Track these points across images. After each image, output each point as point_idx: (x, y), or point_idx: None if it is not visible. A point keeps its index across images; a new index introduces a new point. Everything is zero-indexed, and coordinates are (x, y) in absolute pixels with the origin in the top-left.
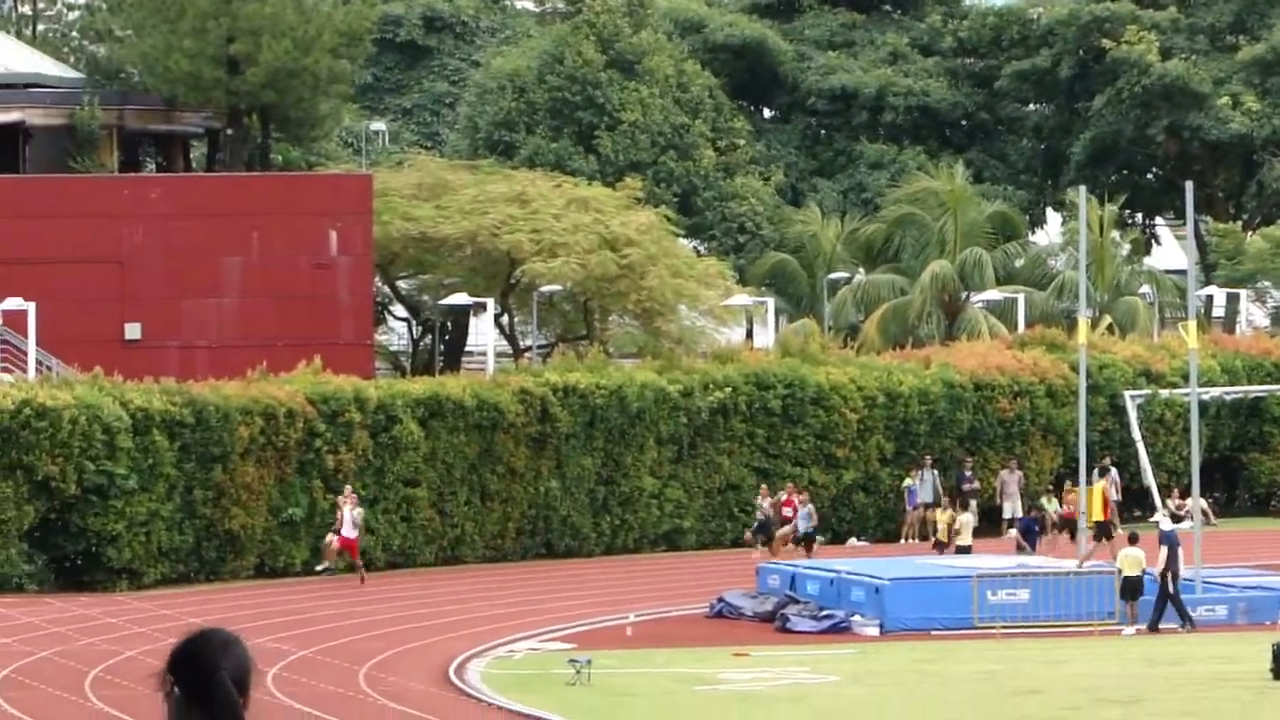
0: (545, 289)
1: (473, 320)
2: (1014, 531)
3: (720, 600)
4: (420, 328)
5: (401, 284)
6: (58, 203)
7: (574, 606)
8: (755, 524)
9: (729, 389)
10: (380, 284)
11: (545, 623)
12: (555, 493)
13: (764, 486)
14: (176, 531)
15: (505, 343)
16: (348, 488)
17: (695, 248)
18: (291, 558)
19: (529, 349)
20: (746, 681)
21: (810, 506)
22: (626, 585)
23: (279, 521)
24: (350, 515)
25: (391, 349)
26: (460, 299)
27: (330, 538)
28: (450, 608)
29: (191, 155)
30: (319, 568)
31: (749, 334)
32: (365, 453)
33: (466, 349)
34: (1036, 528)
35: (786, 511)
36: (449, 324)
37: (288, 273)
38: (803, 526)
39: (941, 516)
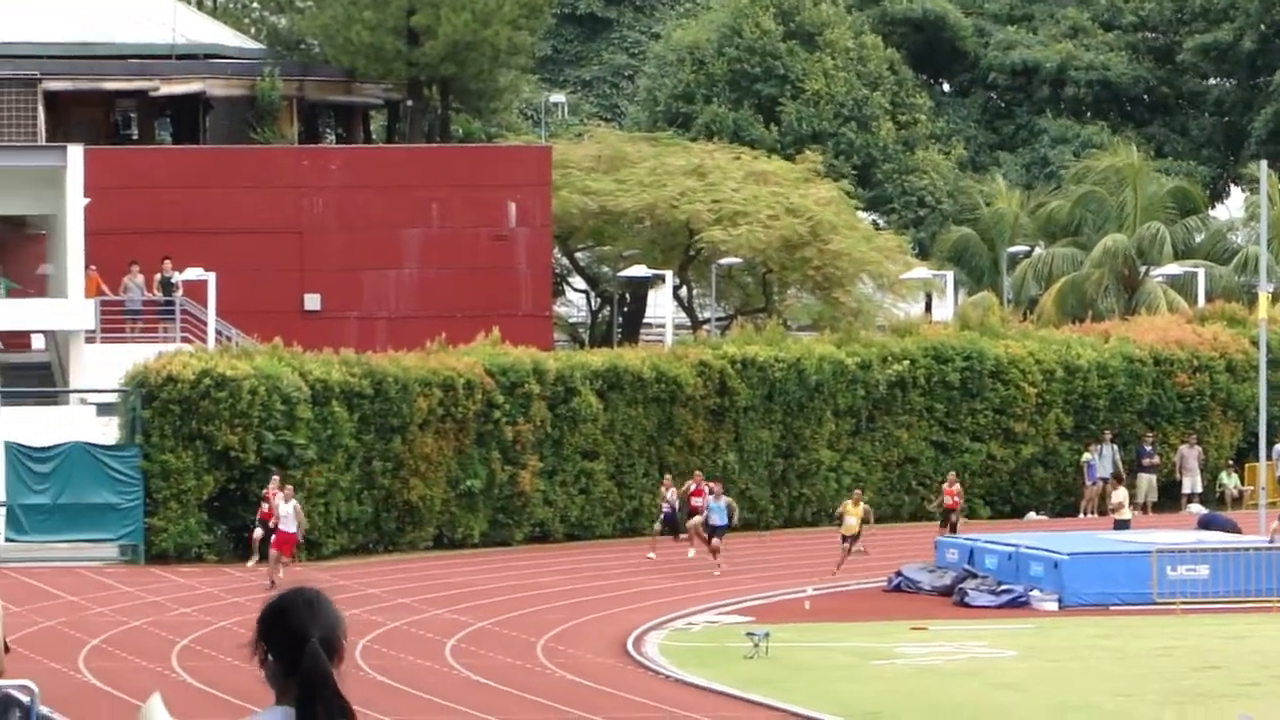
0: (724, 261)
1: (651, 292)
2: (1195, 507)
3: (898, 574)
4: (599, 299)
5: (580, 256)
6: (238, 174)
7: (753, 579)
8: (660, 516)
9: (907, 362)
10: (559, 256)
11: (723, 596)
12: (733, 465)
13: (667, 477)
14: (355, 502)
15: (684, 315)
16: (275, 477)
17: (874, 221)
18: (470, 529)
19: (707, 321)
20: (924, 656)
21: (728, 499)
22: (804, 558)
23: (457, 493)
24: (285, 508)
25: (570, 321)
26: (639, 271)
27: (258, 533)
28: (628, 580)
29: (371, 127)
30: (253, 562)
31: (928, 307)
32: (543, 424)
33: (645, 321)
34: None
35: (695, 502)
36: (627, 296)
37: (467, 244)
38: (718, 520)
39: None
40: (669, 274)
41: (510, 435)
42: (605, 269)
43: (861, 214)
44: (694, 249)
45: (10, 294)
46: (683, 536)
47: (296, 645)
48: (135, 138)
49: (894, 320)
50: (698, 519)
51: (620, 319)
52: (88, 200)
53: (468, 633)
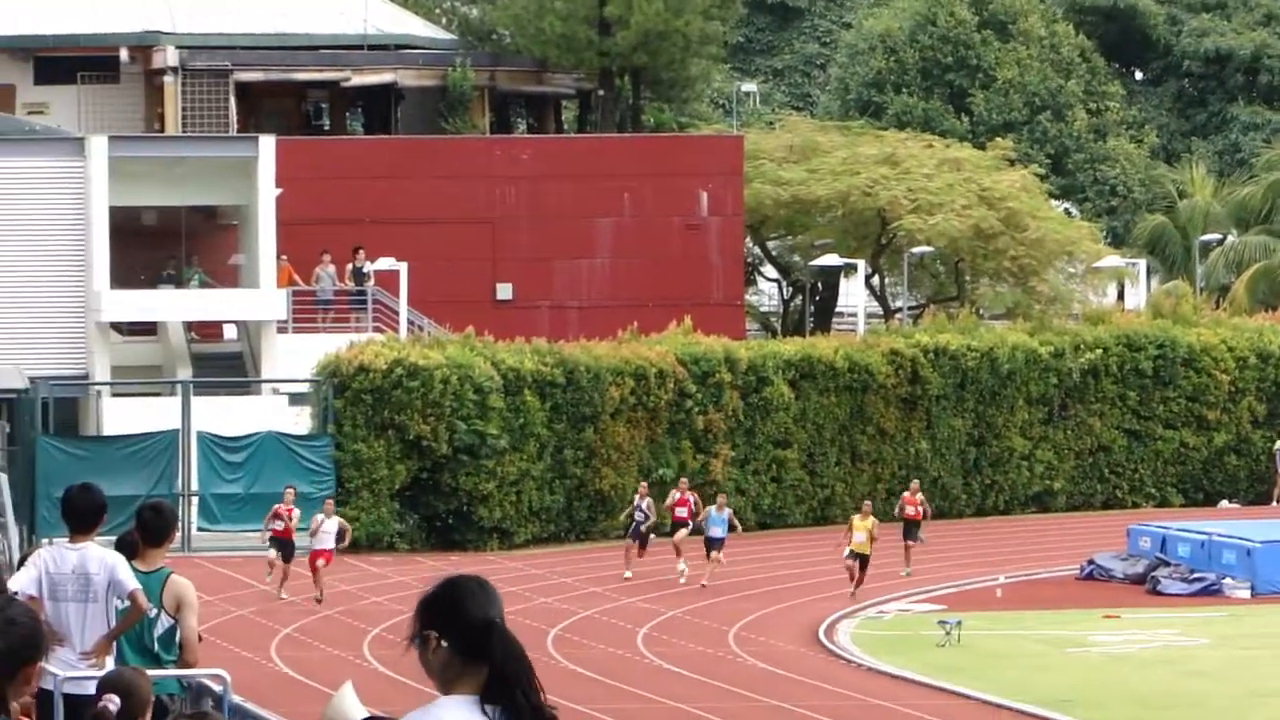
0: (917, 250)
1: (843, 281)
2: None
3: (1091, 562)
4: (791, 289)
5: (772, 245)
6: (429, 163)
7: (944, 568)
8: (631, 526)
9: (1100, 350)
10: (751, 245)
11: (915, 584)
12: (925, 454)
13: (643, 485)
14: (547, 491)
15: (876, 304)
16: (329, 502)
17: (1066, 209)
18: (663, 518)
19: (899, 310)
20: (1117, 644)
21: (729, 511)
22: (996, 547)
23: (650, 482)
24: (330, 524)
25: (762, 310)
26: (831, 260)
27: (273, 554)
28: (820, 568)
29: (563, 116)
30: (281, 594)
31: (1120, 295)
32: (735, 413)
33: (837, 310)
34: None
35: (680, 512)
36: (819, 285)
37: (659, 233)
38: (719, 532)
39: None
40: (861, 263)
41: (702, 424)
42: (797, 258)
43: (1053, 202)
44: (887, 237)
45: (203, 285)
46: (667, 541)
47: (479, 629)
48: (327, 128)
49: (1087, 308)
50: (683, 532)
51: (812, 308)
52: (279, 190)
53: (659, 621)
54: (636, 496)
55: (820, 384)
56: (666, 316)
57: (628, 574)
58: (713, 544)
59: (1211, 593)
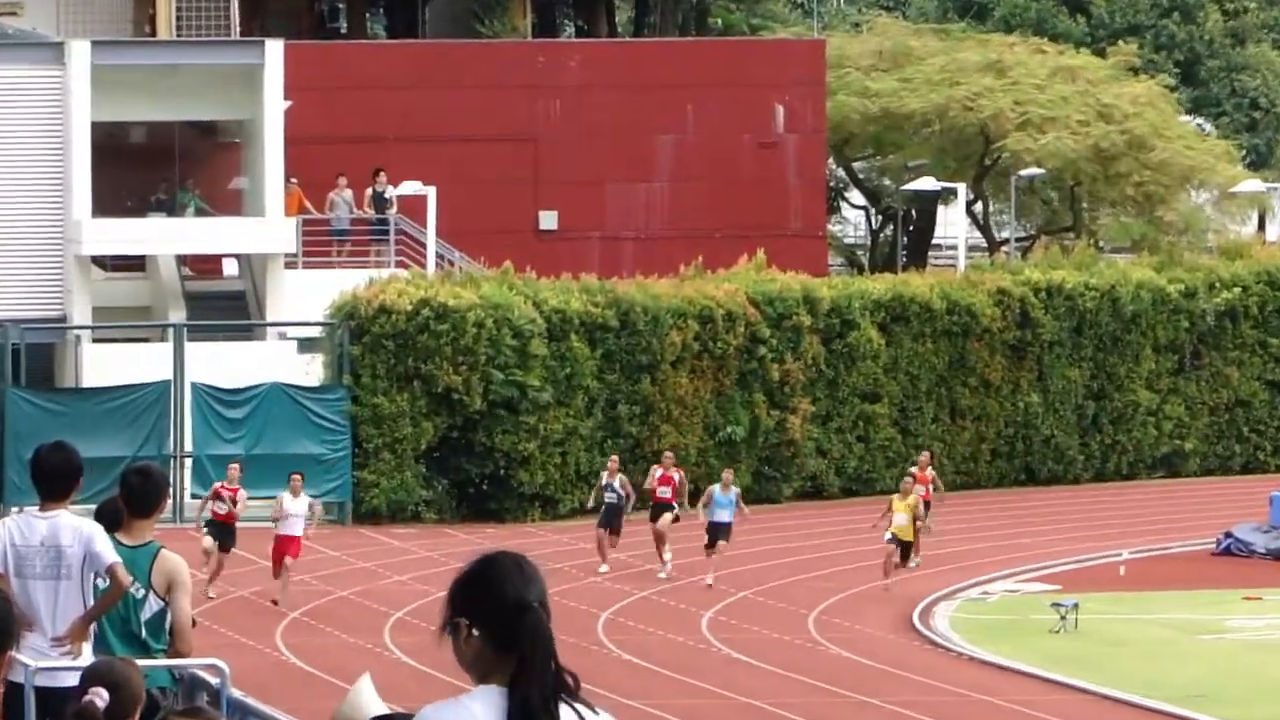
0: (1026, 173)
1: (941, 209)
2: None
3: (1228, 535)
4: (880, 217)
5: (858, 166)
6: (462, 72)
7: (1058, 541)
8: (602, 510)
9: (1238, 289)
10: (834, 166)
11: (1024, 560)
12: (1036, 409)
13: (613, 460)
14: (597, 452)
15: (979, 235)
16: (296, 477)
17: (1199, 125)
18: (643, 500)
19: (1006, 242)
20: (1259, 629)
21: (736, 491)
22: (1119, 517)
23: (716, 441)
24: (296, 505)
25: (847, 241)
26: (927, 184)
27: (208, 541)
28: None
29: (616, 18)
30: (209, 593)
31: (1261, 225)
32: (816, 362)
33: (933, 242)
34: None
35: (663, 492)
36: (913, 213)
37: (727, 153)
38: (725, 516)
39: None
40: (962, 187)
41: (777, 375)
42: (888, 181)
43: (1184, 118)
44: (991, 158)
45: (199, 212)
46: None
47: (513, 613)
48: (343, 31)
49: (1223, 240)
50: (667, 517)
51: (905, 239)
52: (288, 104)
53: (728, 603)
54: (605, 474)
55: (914, 328)
56: (736, 249)
57: (603, 568)
58: (719, 531)
59: None
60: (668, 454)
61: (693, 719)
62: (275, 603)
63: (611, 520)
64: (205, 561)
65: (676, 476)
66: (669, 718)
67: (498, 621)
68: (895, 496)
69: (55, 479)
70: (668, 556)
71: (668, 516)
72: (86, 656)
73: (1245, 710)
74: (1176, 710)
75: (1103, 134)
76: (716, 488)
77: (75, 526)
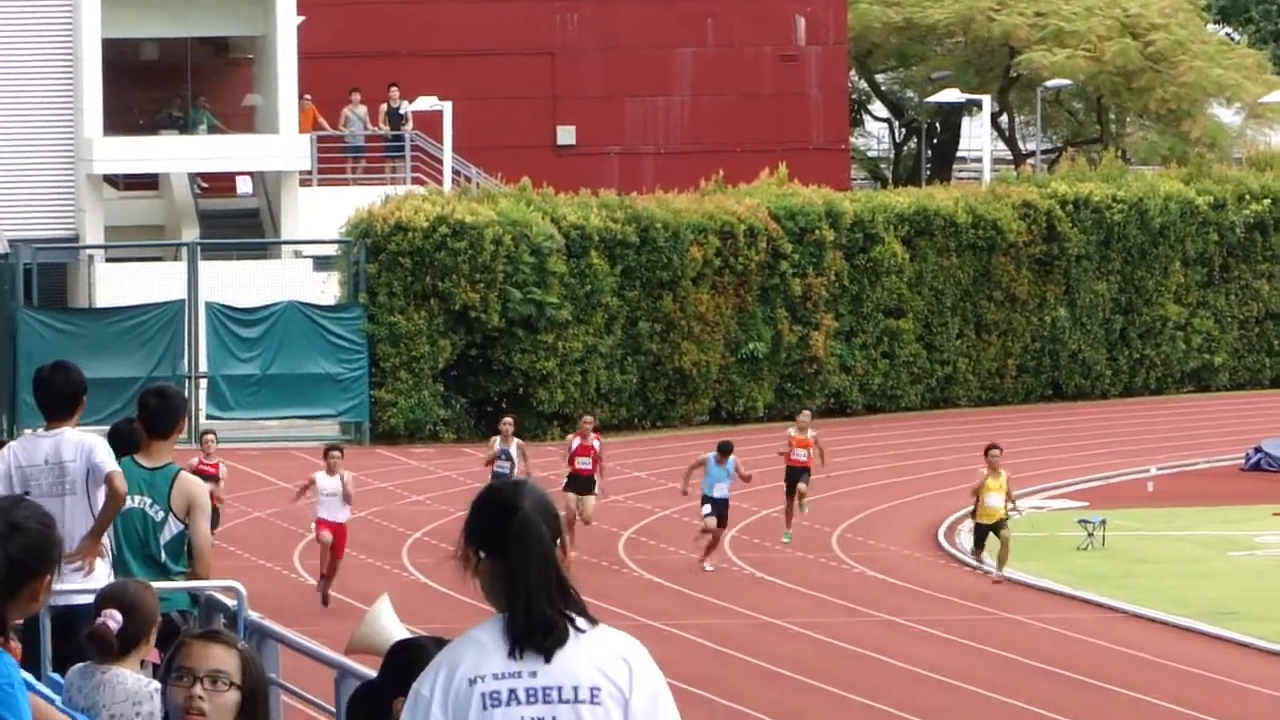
0: (1051, 84)
1: (965, 121)
2: None
3: (1258, 450)
4: (904, 130)
5: (881, 78)
6: None
7: (1085, 458)
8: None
9: (1268, 201)
10: (857, 78)
11: (1051, 477)
12: (1063, 324)
13: (506, 422)
14: (618, 370)
15: (1004, 147)
16: (334, 453)
17: (1228, 34)
18: (753, 400)
19: (1032, 155)
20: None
21: (735, 460)
22: (1147, 432)
23: (738, 358)
24: (331, 484)
25: (870, 155)
26: (951, 96)
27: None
28: (939, 459)
29: None
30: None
31: None
32: (839, 278)
33: (958, 155)
34: None
35: (582, 463)
36: (937, 125)
37: (748, 66)
38: (722, 492)
39: None
40: (986, 99)
41: (800, 290)
42: (911, 94)
43: (1212, 27)
44: (1017, 70)
45: (212, 130)
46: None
47: (505, 518)
48: None
49: (1254, 151)
50: (591, 502)
51: (929, 152)
52: (301, 19)
53: (750, 522)
54: (498, 439)
55: (939, 242)
56: (757, 163)
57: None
58: (719, 509)
59: None
60: (586, 419)
61: (715, 638)
62: (325, 601)
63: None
64: None
65: (597, 445)
66: (690, 637)
67: (493, 533)
68: (985, 472)
69: (57, 399)
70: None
71: (591, 502)
72: (99, 574)
73: (1274, 626)
74: (1205, 627)
75: (1122, 49)
76: (710, 456)
77: (77, 441)
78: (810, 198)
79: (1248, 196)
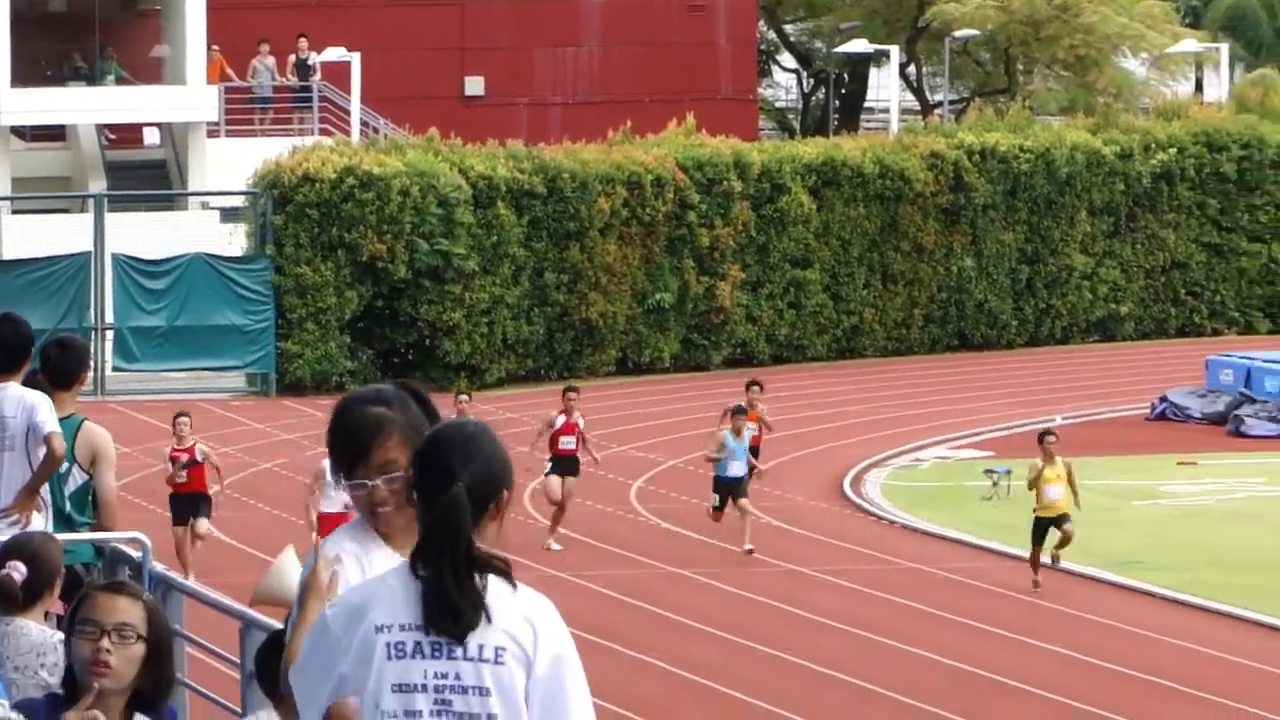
0: (959, 34)
1: (873, 71)
2: None
3: (1163, 399)
4: (812, 80)
5: (790, 29)
6: None
7: (991, 407)
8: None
9: (1175, 150)
10: (765, 28)
11: (957, 426)
12: (970, 273)
13: (463, 399)
14: (524, 321)
15: (912, 98)
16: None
17: None
18: (659, 351)
19: (939, 105)
20: (1193, 495)
21: (752, 431)
22: (1053, 382)
23: (645, 309)
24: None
25: (778, 105)
26: (859, 46)
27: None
28: (845, 409)
29: None
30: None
31: (1198, 86)
32: (746, 228)
33: (866, 105)
34: None
35: (566, 442)
36: (845, 76)
37: (657, 16)
38: (740, 469)
39: None
40: (894, 50)
41: (707, 241)
42: (819, 44)
43: None
44: (924, 21)
45: (119, 81)
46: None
47: (438, 486)
48: None
49: (1160, 101)
50: (573, 482)
51: (837, 103)
52: None
53: (657, 473)
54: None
55: (846, 192)
56: (665, 114)
57: (554, 545)
58: (735, 490)
59: None
60: (571, 394)
61: (618, 588)
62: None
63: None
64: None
65: (581, 422)
66: (595, 588)
67: (428, 489)
68: (1038, 462)
69: (7, 351)
70: (554, 543)
71: (573, 481)
72: (36, 526)
73: (1178, 576)
74: (1110, 576)
75: (1028, 0)
76: (726, 432)
77: (19, 398)
78: (718, 148)
79: (1154, 146)
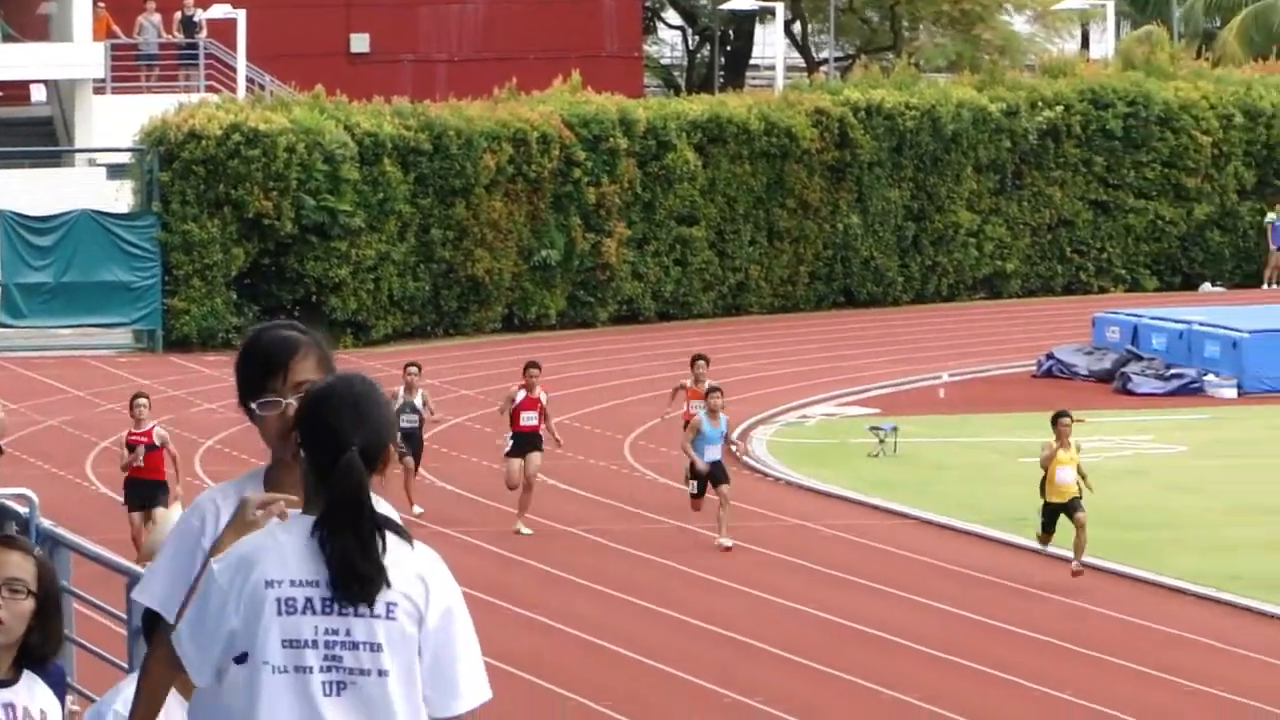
0: None
1: (758, 29)
2: None
3: (1050, 357)
4: (697, 37)
5: None
6: None
7: (877, 364)
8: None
9: (1061, 108)
10: None
11: (843, 384)
12: (856, 230)
13: (411, 370)
14: (410, 278)
15: (797, 55)
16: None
17: None
18: (546, 307)
19: (825, 62)
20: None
21: (727, 418)
22: (939, 339)
23: (530, 265)
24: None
25: (663, 62)
26: (744, 3)
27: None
28: (732, 366)
29: None
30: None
31: (1084, 43)
32: (632, 185)
33: (751, 62)
34: None
35: (528, 418)
36: (730, 33)
37: None
38: (718, 453)
39: None
40: (780, 6)
41: (593, 198)
42: (704, 1)
43: None
44: None
45: (5, 38)
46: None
47: (332, 450)
48: None
49: (1045, 58)
50: (537, 459)
51: (722, 60)
52: None
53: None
54: (402, 389)
55: (732, 149)
56: (551, 71)
57: (418, 509)
58: (717, 478)
59: (1191, 391)
60: (533, 369)
61: (505, 545)
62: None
63: (413, 450)
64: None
65: (544, 398)
66: (483, 544)
67: (317, 450)
68: (1056, 445)
69: None
70: (523, 527)
71: (537, 457)
72: None
73: (1063, 533)
74: (995, 533)
75: None
76: (702, 413)
77: None
78: (604, 105)
79: (1040, 104)
